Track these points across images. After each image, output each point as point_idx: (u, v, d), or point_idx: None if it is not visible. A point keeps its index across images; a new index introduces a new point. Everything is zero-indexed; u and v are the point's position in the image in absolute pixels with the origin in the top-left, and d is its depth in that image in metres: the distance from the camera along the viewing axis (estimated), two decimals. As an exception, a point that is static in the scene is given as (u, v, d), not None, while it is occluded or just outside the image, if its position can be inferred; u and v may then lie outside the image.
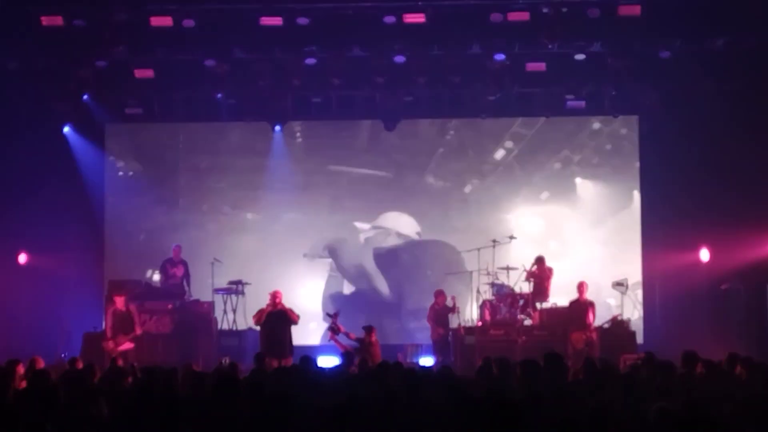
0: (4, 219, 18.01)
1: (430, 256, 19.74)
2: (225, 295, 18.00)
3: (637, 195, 19.61)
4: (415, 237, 19.92)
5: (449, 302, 17.50)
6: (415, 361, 17.34)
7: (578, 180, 19.89)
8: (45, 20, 16.16)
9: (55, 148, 18.94)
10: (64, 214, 18.59)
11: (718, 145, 17.42)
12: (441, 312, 17.43)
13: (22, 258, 18.44)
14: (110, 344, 15.86)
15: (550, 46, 16.83)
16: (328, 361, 14.58)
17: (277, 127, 19.58)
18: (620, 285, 17.77)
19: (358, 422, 6.87)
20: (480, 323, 17.20)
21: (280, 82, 17.92)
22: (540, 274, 17.42)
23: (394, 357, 15.63)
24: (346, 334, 16.21)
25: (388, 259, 19.89)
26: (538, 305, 17.41)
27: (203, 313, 17.57)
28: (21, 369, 10.67)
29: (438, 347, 17.22)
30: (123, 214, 19.82)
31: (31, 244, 18.42)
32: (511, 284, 17.46)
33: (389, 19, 16.08)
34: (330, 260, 19.90)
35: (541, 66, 17.44)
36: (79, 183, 19.20)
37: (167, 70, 17.59)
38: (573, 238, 19.74)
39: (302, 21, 16.09)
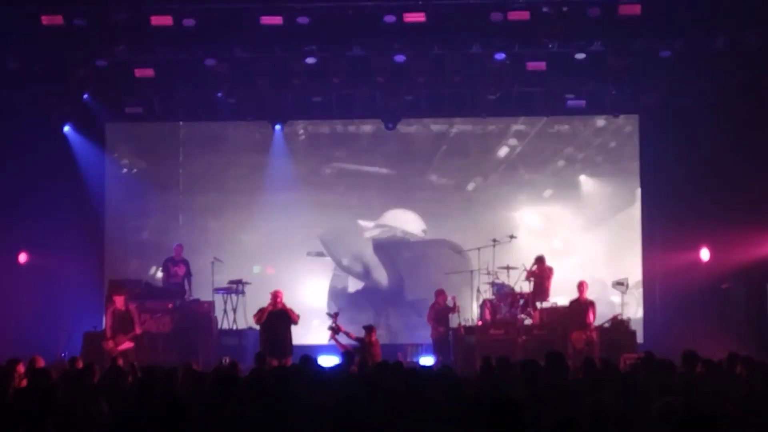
0: (4, 218, 17.99)
1: (436, 254, 19.69)
2: (225, 295, 18.00)
3: (639, 191, 19.58)
4: (421, 235, 19.89)
5: (449, 302, 17.48)
6: (415, 360, 17.34)
7: (582, 178, 19.87)
8: (45, 19, 16.15)
9: (56, 148, 18.91)
10: (65, 214, 18.56)
11: (718, 145, 17.39)
12: (441, 311, 17.43)
13: (23, 257, 18.42)
14: (110, 344, 15.86)
15: (550, 46, 16.82)
16: (328, 361, 14.56)
17: (278, 127, 19.58)
18: (620, 284, 17.76)
19: (357, 422, 6.86)
20: (480, 323, 17.19)
21: (280, 81, 17.90)
22: (540, 274, 17.41)
23: (394, 356, 15.63)
24: (347, 334, 16.20)
25: (394, 256, 19.84)
26: (538, 305, 17.40)
27: (203, 313, 17.56)
28: (21, 368, 10.65)
29: (438, 346, 17.21)
30: (123, 214, 19.82)
31: (32, 244, 18.40)
32: (512, 284, 17.44)
33: (389, 19, 16.07)
34: (333, 259, 19.88)
35: (541, 65, 17.43)
36: (79, 182, 19.18)
37: (167, 70, 17.59)
38: (577, 236, 19.73)
39: (302, 20, 16.08)
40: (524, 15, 16.02)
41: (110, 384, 9.95)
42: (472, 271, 17.66)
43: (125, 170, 20.09)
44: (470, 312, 17.97)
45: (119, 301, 16.19)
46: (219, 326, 17.79)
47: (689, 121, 17.88)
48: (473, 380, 10.14)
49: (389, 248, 19.95)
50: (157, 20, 16.15)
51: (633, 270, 19.11)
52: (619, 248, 19.60)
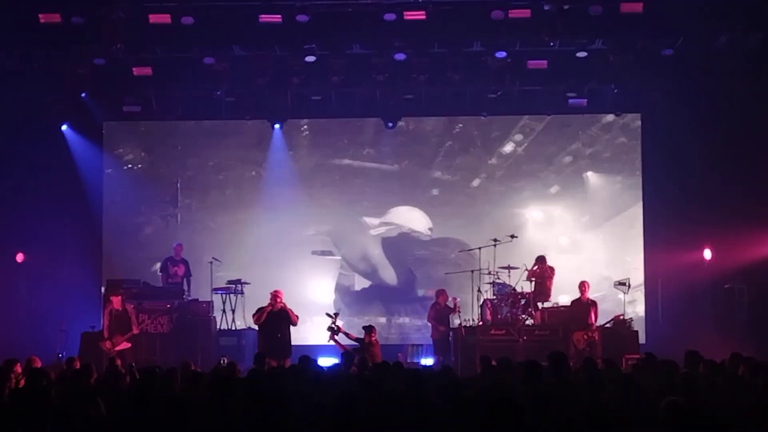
0: (1, 218, 17.95)
1: (444, 253, 19.61)
2: (224, 295, 17.94)
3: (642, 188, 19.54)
4: (428, 233, 19.81)
5: (450, 303, 17.41)
6: (415, 361, 17.28)
7: (589, 174, 19.78)
8: (43, 18, 16.10)
9: (53, 146, 18.88)
10: (62, 213, 18.53)
11: (721, 143, 17.35)
12: (442, 311, 17.37)
13: (20, 257, 18.36)
14: (107, 344, 15.82)
15: (551, 44, 16.75)
16: (328, 362, 14.48)
17: (277, 125, 19.51)
18: (622, 284, 17.69)
19: (356, 422, 6.80)
20: (481, 323, 17.11)
21: (279, 79, 17.86)
22: (541, 274, 17.33)
23: (394, 357, 15.55)
24: (346, 335, 16.12)
25: (402, 255, 19.75)
26: (539, 305, 17.32)
27: (202, 313, 17.50)
28: (18, 368, 10.58)
29: (439, 346, 17.13)
30: (121, 213, 19.76)
31: (29, 243, 18.38)
32: (513, 284, 17.37)
33: (389, 17, 16.01)
34: (339, 257, 19.80)
35: (542, 63, 17.40)
36: (77, 181, 19.13)
37: (166, 68, 17.55)
38: (583, 233, 19.65)
39: (301, 18, 16.01)
40: (525, 13, 15.96)
41: (108, 384, 9.88)
42: (473, 271, 17.57)
43: (123, 169, 19.99)
44: (471, 312, 17.88)
45: (116, 301, 16.15)
46: (218, 326, 17.73)
47: (691, 120, 17.83)
48: (474, 381, 10.06)
49: (397, 246, 19.84)
50: (155, 18, 16.10)
51: (640, 267, 19.04)
52: (625, 245, 19.52)
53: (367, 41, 16.91)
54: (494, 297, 17.29)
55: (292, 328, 15.99)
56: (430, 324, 17.47)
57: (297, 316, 15.95)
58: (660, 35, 16.64)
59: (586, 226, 19.68)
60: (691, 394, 8.13)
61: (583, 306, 16.65)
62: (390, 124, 19.30)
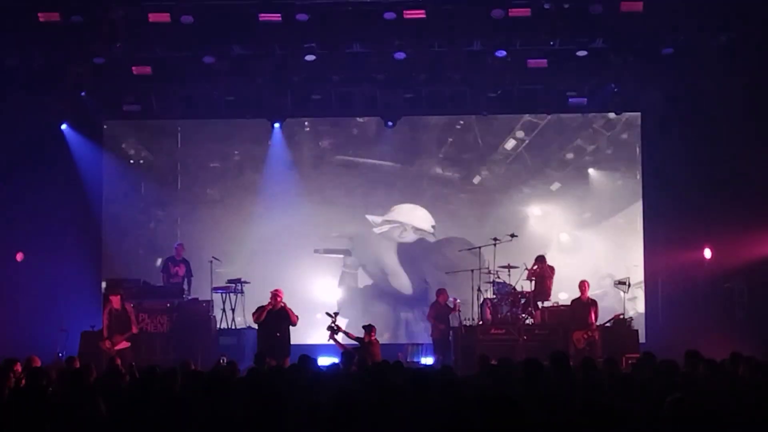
0: (1, 216, 17.93)
1: (448, 252, 19.60)
2: (224, 294, 17.93)
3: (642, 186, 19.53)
4: (431, 231, 19.78)
5: (450, 302, 17.39)
6: (415, 360, 17.28)
7: (591, 171, 19.76)
8: (42, 16, 16.06)
9: (53, 146, 18.85)
10: (62, 212, 18.51)
11: (721, 142, 17.32)
12: (442, 310, 17.36)
13: (20, 256, 18.34)
14: (107, 344, 15.82)
15: (551, 43, 16.73)
16: (327, 361, 14.46)
17: (277, 124, 19.50)
18: (622, 284, 17.69)
19: (356, 421, 6.78)
20: (481, 322, 17.10)
21: (279, 78, 17.88)
22: (541, 273, 17.33)
23: (394, 356, 15.55)
24: (346, 334, 16.10)
25: (410, 255, 19.72)
26: (539, 304, 17.31)
27: (202, 312, 17.49)
28: (18, 367, 10.58)
29: (439, 345, 17.13)
30: (121, 212, 19.75)
31: (29, 242, 18.35)
32: (512, 283, 17.36)
33: (389, 15, 15.98)
34: (342, 256, 19.78)
35: (542, 62, 17.37)
36: (76, 180, 19.10)
37: (166, 67, 17.53)
38: (583, 230, 19.63)
39: (301, 17, 15.99)
40: (525, 12, 15.93)
41: (108, 384, 9.86)
42: (473, 271, 17.56)
43: (123, 168, 19.97)
44: (471, 311, 17.87)
45: (115, 300, 16.15)
46: (218, 326, 17.72)
47: (691, 119, 17.82)
48: (474, 380, 10.05)
49: (408, 249, 19.82)
50: (155, 17, 16.07)
51: (642, 264, 19.04)
52: (626, 243, 19.53)
53: (367, 40, 16.90)
54: (494, 296, 17.29)
55: (292, 327, 15.97)
56: (430, 323, 17.46)
57: (297, 316, 15.93)
58: (660, 34, 16.62)
59: (587, 223, 19.67)
60: (691, 393, 8.11)
61: (584, 305, 16.65)
62: (390, 123, 19.29)
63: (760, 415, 7.53)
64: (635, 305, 17.83)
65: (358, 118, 19.86)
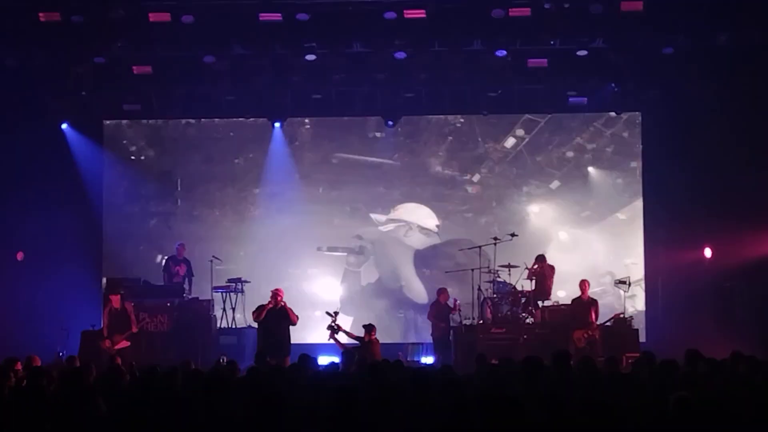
0: (2, 216, 17.93)
1: (445, 251, 19.61)
2: (224, 293, 17.94)
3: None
4: (435, 230, 19.78)
5: (450, 302, 17.38)
6: (415, 359, 17.27)
7: (591, 169, 19.76)
8: (43, 16, 16.08)
9: (53, 145, 18.86)
10: (63, 211, 18.49)
11: (721, 142, 17.31)
12: (442, 309, 17.34)
13: (20, 255, 18.34)
14: (107, 343, 15.82)
15: (552, 42, 16.73)
16: (328, 361, 14.46)
17: (277, 124, 19.50)
18: (622, 283, 17.69)
19: (355, 421, 6.79)
20: (481, 321, 17.10)
21: (279, 78, 17.87)
22: (541, 272, 17.32)
23: (394, 356, 15.52)
24: (346, 333, 16.10)
25: (423, 258, 19.72)
26: (539, 303, 17.31)
27: (202, 311, 17.49)
28: (19, 367, 10.58)
29: (439, 344, 17.11)
30: (121, 211, 19.75)
31: (29, 242, 18.36)
32: (513, 282, 17.36)
33: (390, 15, 15.98)
34: (345, 254, 19.77)
35: (542, 62, 17.38)
36: (77, 179, 19.11)
37: (166, 67, 17.53)
38: (582, 229, 19.64)
39: (302, 17, 15.99)
40: (525, 11, 15.93)
41: (108, 383, 9.86)
42: (473, 270, 17.56)
43: (123, 167, 19.95)
44: (471, 310, 17.87)
45: (115, 300, 16.15)
46: (218, 325, 17.73)
47: (692, 119, 17.80)
48: (474, 379, 10.05)
49: (418, 250, 19.81)
50: (155, 17, 16.08)
51: (640, 263, 19.07)
52: (625, 241, 19.53)
53: (368, 40, 16.89)
54: (494, 295, 17.29)
55: (292, 326, 15.96)
56: (430, 322, 17.45)
57: (297, 316, 15.91)
58: (660, 34, 16.61)
59: (586, 221, 19.68)
60: (691, 393, 8.11)
61: (584, 305, 16.65)
62: (390, 123, 19.31)
63: (761, 414, 7.53)
64: (634, 303, 17.82)
65: (357, 119, 19.84)
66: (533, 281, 17.31)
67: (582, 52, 17.04)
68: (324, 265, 19.77)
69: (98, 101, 18.73)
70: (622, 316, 17.13)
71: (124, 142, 20.08)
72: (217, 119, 19.59)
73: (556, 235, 19.35)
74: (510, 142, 19.76)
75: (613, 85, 18.25)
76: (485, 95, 18.46)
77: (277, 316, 15.73)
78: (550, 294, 17.46)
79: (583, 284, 16.81)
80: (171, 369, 9.98)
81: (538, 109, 19.18)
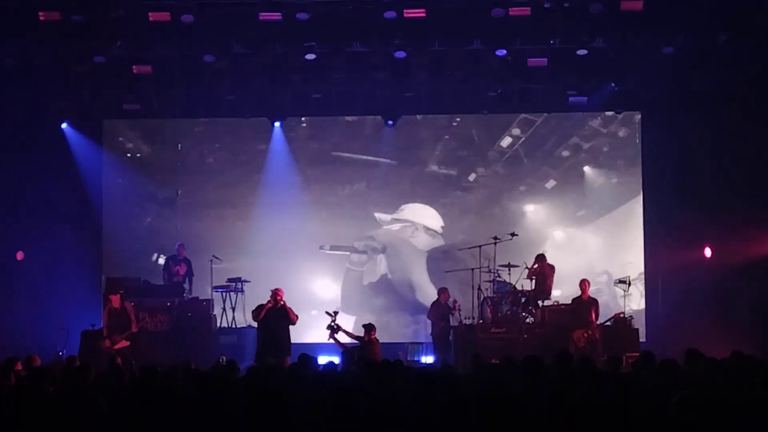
0: (2, 216, 17.93)
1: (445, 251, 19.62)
2: (224, 293, 17.94)
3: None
4: (440, 231, 19.78)
5: (450, 302, 17.38)
6: (415, 359, 17.27)
7: (587, 168, 19.77)
8: (43, 15, 16.05)
9: (53, 144, 18.86)
10: (62, 211, 18.52)
11: (720, 141, 17.32)
12: (442, 309, 17.34)
13: (20, 255, 18.35)
14: (107, 342, 15.81)
15: (551, 42, 16.73)
16: (324, 360, 14.46)
17: (277, 123, 19.51)
18: (623, 282, 17.69)
19: (355, 420, 6.78)
20: (481, 321, 17.11)
21: (279, 77, 17.84)
22: (542, 272, 17.32)
23: (394, 355, 15.52)
24: (346, 333, 16.09)
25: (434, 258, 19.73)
26: (539, 303, 17.31)
27: (202, 311, 17.50)
28: (19, 366, 10.58)
29: (439, 343, 17.11)
30: (121, 211, 19.76)
31: (29, 241, 18.36)
32: (513, 281, 17.36)
33: (389, 14, 15.96)
34: (348, 253, 19.76)
35: (542, 61, 17.35)
36: (77, 179, 19.12)
37: (166, 66, 17.51)
38: (578, 228, 19.64)
39: (301, 16, 15.96)
40: (525, 11, 15.90)
41: (108, 383, 9.85)
42: (473, 269, 17.56)
43: (123, 167, 19.96)
44: (471, 310, 17.88)
45: (115, 299, 16.16)
46: (218, 324, 17.73)
47: (692, 118, 17.80)
48: (472, 378, 10.05)
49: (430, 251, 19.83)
50: (155, 16, 16.04)
51: (636, 262, 19.07)
52: (621, 240, 19.57)
53: (368, 39, 16.88)
54: (494, 295, 17.29)
55: (292, 326, 15.96)
56: (430, 321, 17.45)
57: (297, 315, 15.91)
58: (660, 33, 16.60)
59: (582, 220, 19.69)
60: (691, 392, 8.11)
61: (584, 304, 16.66)
62: (390, 122, 19.32)
63: (761, 414, 7.52)
64: (629, 302, 17.84)
65: (355, 118, 19.83)
66: (533, 281, 17.31)
67: (582, 52, 17.02)
68: (325, 264, 19.77)
69: (98, 101, 18.74)
70: (622, 315, 17.14)
71: (124, 141, 20.10)
72: (217, 118, 19.56)
73: (551, 235, 19.36)
74: (506, 141, 19.77)
75: (613, 84, 18.25)
76: (485, 94, 18.48)
77: (276, 316, 15.72)
78: (550, 293, 17.46)
79: (584, 284, 16.82)
80: (171, 368, 9.98)
81: (538, 109, 19.20)
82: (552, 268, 17.50)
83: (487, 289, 17.44)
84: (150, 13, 16.03)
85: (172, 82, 18.11)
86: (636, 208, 19.46)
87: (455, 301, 17.39)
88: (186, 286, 18.10)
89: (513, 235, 17.60)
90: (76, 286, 18.45)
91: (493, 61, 17.26)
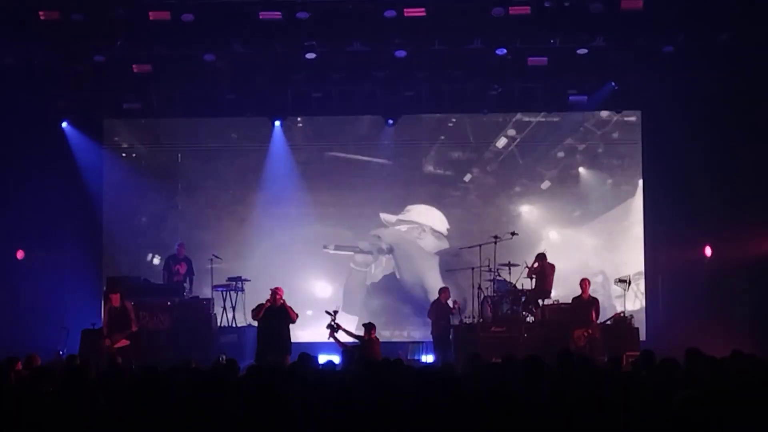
0: (2, 215, 17.94)
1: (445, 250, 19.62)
2: (224, 292, 17.95)
3: (641, 185, 19.50)
4: (446, 233, 19.78)
5: (450, 302, 17.38)
6: (416, 358, 17.28)
7: (582, 170, 19.79)
8: (43, 15, 16.06)
9: (53, 144, 18.87)
10: (63, 210, 18.52)
11: (721, 141, 17.31)
12: (443, 308, 17.34)
13: (20, 254, 18.36)
14: (107, 342, 15.81)
15: (552, 41, 16.73)
16: (323, 359, 14.46)
17: (277, 123, 19.51)
18: (623, 282, 17.70)
19: (356, 420, 6.79)
20: (481, 320, 17.11)
21: (279, 76, 17.87)
22: (542, 271, 17.33)
23: (394, 354, 15.52)
24: (346, 332, 16.09)
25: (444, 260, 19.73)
26: (540, 302, 17.31)
27: (202, 310, 17.50)
28: (19, 366, 10.58)
29: (439, 343, 17.11)
30: (121, 210, 19.76)
31: (29, 240, 18.37)
32: (513, 281, 17.37)
33: (390, 14, 15.96)
34: (352, 253, 19.76)
35: (542, 60, 17.37)
36: (77, 178, 19.13)
37: (166, 65, 17.53)
38: (573, 228, 19.66)
39: (302, 15, 15.96)
40: (525, 10, 15.90)
41: (108, 382, 9.86)
42: (473, 269, 17.57)
43: (123, 166, 19.97)
44: (472, 309, 17.89)
45: (115, 298, 16.14)
46: (218, 323, 17.73)
47: (692, 117, 17.80)
48: (473, 378, 10.05)
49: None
50: (155, 15, 16.05)
51: (631, 262, 19.06)
52: (616, 241, 19.60)
53: (368, 38, 16.88)
54: (494, 294, 17.30)
55: (292, 325, 15.96)
56: (430, 321, 17.45)
57: (297, 314, 15.92)
58: (660, 32, 16.60)
59: (577, 221, 19.71)
60: (691, 391, 8.11)
61: (585, 304, 16.66)
62: (390, 122, 19.34)
63: (761, 414, 7.53)
64: (624, 303, 17.87)
65: (352, 118, 19.84)
66: (533, 280, 17.31)
67: (582, 51, 17.03)
68: (326, 264, 19.78)
69: (98, 100, 18.75)
70: (622, 314, 17.14)
71: (124, 140, 20.10)
72: (217, 118, 19.57)
73: (546, 235, 19.37)
74: (502, 142, 19.79)
75: (613, 83, 18.25)
76: (485, 94, 18.47)
77: (276, 315, 15.73)
78: (550, 293, 17.46)
79: (584, 283, 16.83)
80: (171, 368, 9.98)
81: (538, 108, 19.19)
82: (552, 267, 17.51)
83: (487, 289, 17.45)
84: (150, 13, 16.04)
85: (173, 82, 18.13)
86: (631, 209, 19.52)
87: (455, 302, 17.39)
88: (186, 285, 18.10)
89: (513, 234, 17.61)
90: (76, 285, 18.47)
91: (493, 61, 17.26)
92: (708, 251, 17.97)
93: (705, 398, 6.62)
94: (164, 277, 18.34)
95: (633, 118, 19.53)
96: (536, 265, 17.34)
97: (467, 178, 19.94)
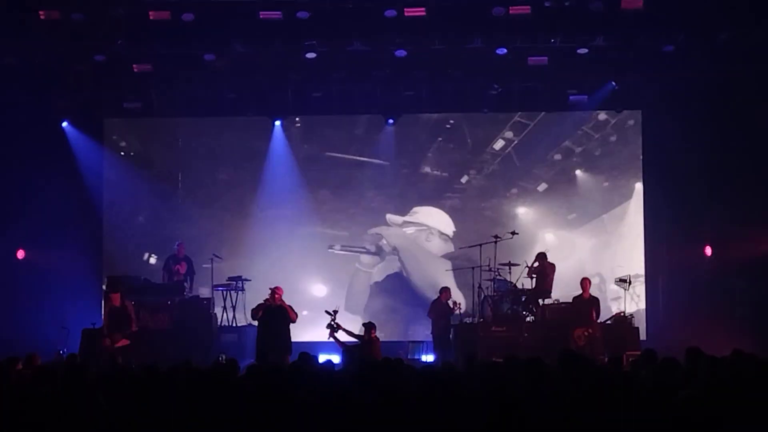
0: (2, 215, 17.94)
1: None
2: (225, 292, 17.94)
3: (638, 187, 19.50)
4: (452, 236, 19.77)
5: (451, 303, 17.37)
6: (416, 357, 17.27)
7: (578, 172, 19.79)
8: (43, 14, 16.09)
9: (54, 143, 18.86)
10: (63, 210, 18.51)
11: (721, 140, 17.31)
12: (443, 308, 17.34)
13: (21, 253, 18.36)
14: (107, 341, 15.80)
15: (552, 40, 16.73)
16: (323, 359, 14.45)
17: (278, 122, 19.52)
18: (623, 281, 17.69)
19: (356, 419, 6.79)
20: (482, 319, 17.11)
21: (280, 76, 17.88)
22: (542, 270, 17.33)
23: (395, 354, 15.50)
24: (346, 332, 16.08)
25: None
26: (540, 301, 17.31)
27: (202, 310, 17.49)
28: (19, 365, 10.58)
29: (439, 343, 17.11)
30: (122, 210, 19.76)
31: (30, 240, 18.38)
32: (513, 280, 17.37)
33: (390, 13, 15.99)
34: (357, 254, 19.77)
35: (543, 60, 17.38)
36: (77, 178, 19.12)
37: (166, 65, 17.56)
38: (569, 230, 19.65)
39: (302, 15, 16.00)
40: (526, 9, 15.93)
41: (108, 382, 9.85)
42: (473, 268, 17.57)
43: (123, 165, 19.96)
44: (472, 309, 17.89)
45: (115, 298, 16.15)
46: (218, 323, 17.73)
47: (692, 117, 17.80)
48: (473, 378, 10.04)
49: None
50: (155, 15, 16.09)
51: (627, 265, 19.06)
52: (612, 242, 19.57)
53: (368, 38, 16.90)
54: (495, 293, 17.29)
55: (292, 324, 15.95)
56: (430, 320, 17.45)
57: (296, 314, 15.92)
58: (661, 32, 16.63)
59: (573, 223, 19.71)
60: (692, 391, 8.11)
61: (585, 303, 16.65)
62: (390, 121, 19.34)
63: (762, 413, 7.53)
64: (619, 305, 17.89)
65: (350, 117, 19.84)
66: (534, 279, 17.31)
67: (582, 50, 17.05)
68: (326, 264, 19.77)
69: (98, 99, 18.75)
70: (622, 314, 17.14)
71: (124, 140, 20.09)
72: (217, 117, 19.56)
73: (542, 237, 19.36)
74: (499, 144, 19.78)
75: (613, 83, 18.26)
76: (485, 93, 18.47)
77: (276, 315, 15.73)
78: (550, 292, 17.45)
79: (584, 282, 16.81)
80: (171, 367, 9.97)
81: (539, 108, 19.19)
82: (552, 266, 17.50)
83: (487, 288, 17.44)
84: (150, 12, 16.07)
85: (173, 81, 18.16)
86: (627, 212, 19.51)
87: (455, 302, 17.39)
88: (186, 284, 18.10)
89: (514, 233, 17.61)
90: (76, 284, 18.47)
91: (493, 60, 17.26)
92: (708, 251, 17.97)
93: (705, 398, 6.62)
94: (163, 277, 18.33)
95: (631, 122, 19.54)
96: (536, 264, 17.34)
97: (464, 179, 19.93)
